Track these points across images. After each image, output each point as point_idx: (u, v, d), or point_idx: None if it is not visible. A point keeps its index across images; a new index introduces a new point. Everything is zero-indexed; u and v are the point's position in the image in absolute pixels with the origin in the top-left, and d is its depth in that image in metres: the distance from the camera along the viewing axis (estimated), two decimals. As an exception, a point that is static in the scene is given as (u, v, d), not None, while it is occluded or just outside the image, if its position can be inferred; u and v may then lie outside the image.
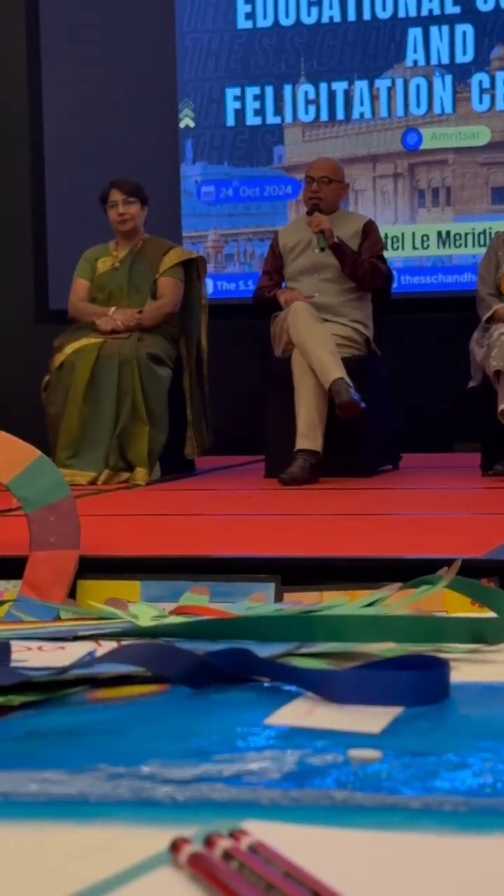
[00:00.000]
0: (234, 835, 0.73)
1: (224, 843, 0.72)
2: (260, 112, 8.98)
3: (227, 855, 0.71)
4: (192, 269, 7.37)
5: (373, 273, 6.88)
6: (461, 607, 1.42)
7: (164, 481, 6.87)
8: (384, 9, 8.76)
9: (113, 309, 7.15)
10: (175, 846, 0.72)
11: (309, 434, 6.54)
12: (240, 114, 9.01)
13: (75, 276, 7.39)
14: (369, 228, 7.06)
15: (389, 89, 8.80)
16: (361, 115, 8.86)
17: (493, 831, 0.78)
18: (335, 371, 6.51)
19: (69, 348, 7.01)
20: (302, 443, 6.53)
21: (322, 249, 6.83)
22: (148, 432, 6.82)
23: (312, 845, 0.74)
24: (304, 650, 1.21)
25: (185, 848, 0.72)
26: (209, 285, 7.95)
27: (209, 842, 0.72)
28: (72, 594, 4.08)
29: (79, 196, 8.78)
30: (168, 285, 7.23)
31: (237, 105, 9.01)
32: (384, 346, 7.12)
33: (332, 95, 8.88)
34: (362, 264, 6.84)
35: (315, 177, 7.00)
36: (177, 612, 1.39)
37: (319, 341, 6.59)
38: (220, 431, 7.49)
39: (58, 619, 1.44)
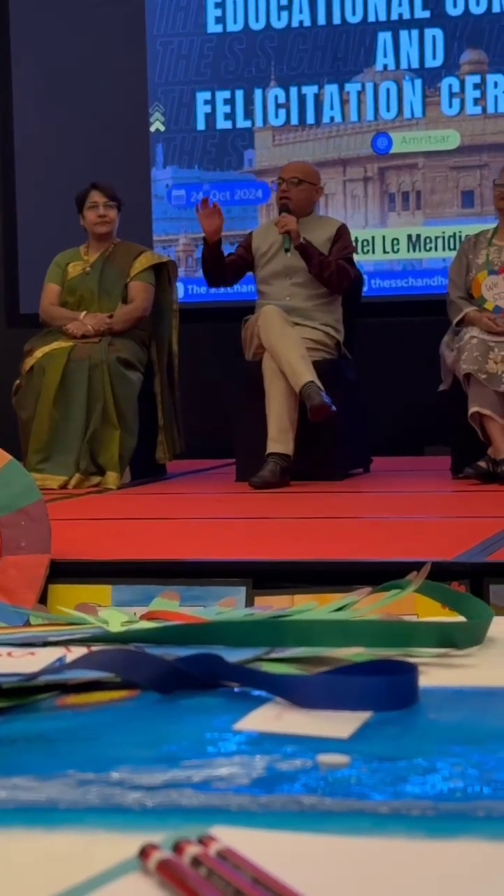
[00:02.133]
0: (203, 841, 0.73)
1: (193, 850, 0.72)
2: (230, 116, 8.98)
3: (196, 861, 0.71)
4: (162, 274, 7.37)
5: (339, 274, 6.88)
6: (432, 611, 1.43)
7: (135, 485, 6.87)
8: (354, 13, 8.78)
9: (84, 313, 7.14)
10: (144, 852, 0.72)
11: (280, 438, 6.54)
12: (210, 118, 9.01)
13: (46, 280, 7.38)
14: (341, 232, 7.07)
15: (359, 93, 8.81)
16: (332, 119, 8.88)
17: (461, 836, 0.78)
18: (306, 374, 6.51)
19: (39, 352, 7.00)
20: (273, 446, 6.53)
21: (287, 250, 6.83)
22: (119, 436, 6.82)
23: (281, 851, 0.75)
24: (273, 655, 1.21)
25: (153, 854, 0.72)
26: (180, 289, 7.94)
27: (178, 848, 0.72)
28: (43, 598, 4.08)
29: (49, 200, 8.78)
30: (139, 289, 7.23)
31: (208, 109, 9.01)
32: (355, 349, 7.13)
33: (302, 99, 8.89)
34: (329, 265, 6.84)
35: (285, 177, 7.01)
36: (147, 617, 1.38)
37: (290, 345, 6.59)
38: (191, 435, 7.49)
39: (28, 624, 1.44)
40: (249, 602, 3.91)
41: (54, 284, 7.33)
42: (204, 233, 6.99)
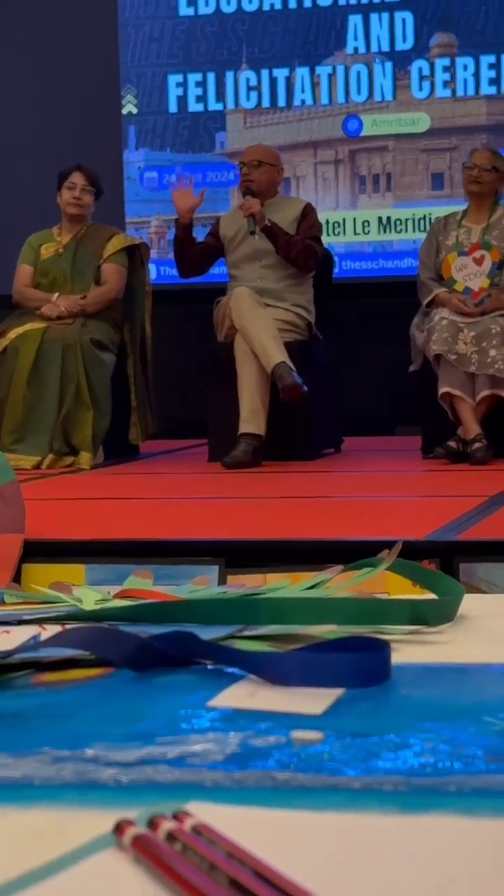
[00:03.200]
0: (178, 816, 0.73)
1: (167, 825, 0.71)
2: (202, 98, 8.97)
3: (171, 836, 0.71)
4: (135, 255, 7.36)
5: (306, 253, 6.87)
6: (403, 589, 1.43)
7: (109, 465, 6.87)
8: (325, -4, 8.77)
9: (56, 295, 7.13)
10: (119, 828, 0.72)
11: (252, 418, 6.54)
12: (182, 100, 9.00)
13: (19, 261, 7.36)
14: (307, 212, 7.07)
15: (330, 76, 8.81)
16: (303, 101, 8.87)
17: (433, 811, 0.78)
18: (277, 355, 6.51)
19: (13, 333, 6.99)
20: (245, 427, 6.54)
21: (252, 233, 6.82)
22: (92, 417, 6.81)
23: (255, 826, 0.74)
24: (246, 633, 1.21)
25: (128, 830, 0.72)
26: (152, 271, 7.94)
27: (153, 823, 0.72)
28: (17, 578, 4.08)
29: (21, 181, 8.76)
30: (111, 271, 7.22)
31: (179, 91, 9.00)
32: (326, 330, 7.13)
33: (273, 82, 8.88)
34: (295, 245, 6.83)
35: (245, 161, 7.01)
36: (121, 595, 1.38)
37: (261, 326, 6.59)
38: (163, 416, 7.49)
39: (2, 602, 1.44)
40: (222, 580, 3.91)
41: (27, 266, 7.32)
42: (177, 212, 6.98)
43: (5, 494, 4.22)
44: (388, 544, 1.40)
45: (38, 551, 4.19)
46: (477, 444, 6.38)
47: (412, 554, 3.56)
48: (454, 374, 6.46)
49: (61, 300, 7.10)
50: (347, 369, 7.54)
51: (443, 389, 6.48)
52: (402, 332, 6.92)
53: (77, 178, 7.23)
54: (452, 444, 6.48)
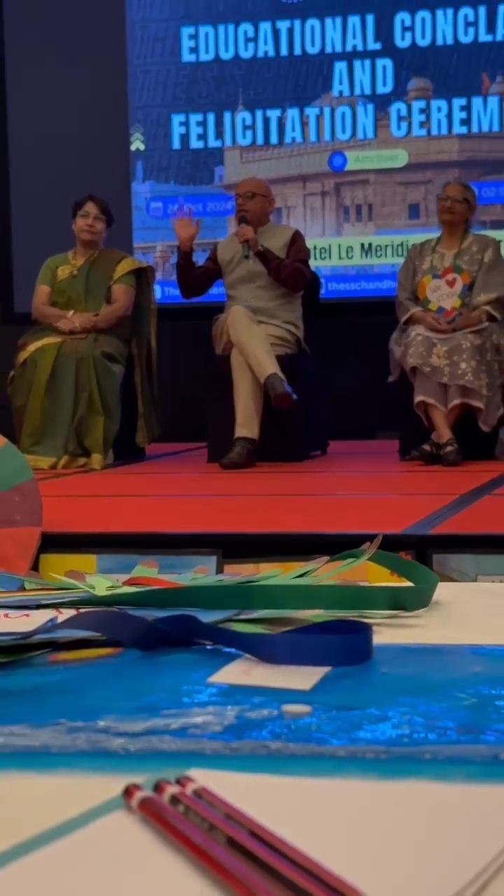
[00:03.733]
0: (181, 781, 0.73)
1: (171, 789, 0.71)
2: (203, 136, 8.97)
3: (175, 799, 0.71)
4: (142, 277, 7.35)
5: (296, 275, 6.88)
6: (382, 578, 1.43)
7: (118, 466, 6.86)
8: (313, 45, 8.77)
9: (71, 312, 7.13)
10: (128, 792, 0.72)
11: (246, 423, 6.54)
12: (185, 138, 8.99)
13: (38, 282, 7.36)
14: (296, 238, 7.08)
15: (318, 116, 8.81)
16: (293, 139, 8.87)
17: (410, 777, 0.78)
18: (270, 367, 6.51)
19: (32, 346, 6.98)
20: (240, 431, 6.53)
21: (247, 257, 6.83)
22: (103, 422, 6.81)
23: (250, 790, 0.74)
24: (242, 616, 1.20)
25: (136, 793, 0.72)
26: (157, 291, 7.93)
27: (158, 788, 0.72)
28: (35, 566, 4.07)
29: (42, 211, 8.75)
30: (121, 291, 7.21)
31: (182, 130, 8.99)
32: (313, 344, 7.13)
33: (266, 122, 8.88)
34: (286, 267, 6.84)
35: (241, 193, 7.01)
36: (129, 582, 1.38)
37: (255, 340, 6.59)
38: (167, 421, 7.49)
39: (22, 589, 1.43)
40: (219, 570, 3.90)
41: (45, 286, 7.31)
42: (178, 240, 6.99)
43: (24, 491, 4.22)
44: (370, 537, 1.40)
45: (53, 543, 4.18)
46: (449, 448, 6.38)
47: (390, 546, 3.56)
48: (428, 385, 6.46)
49: (75, 317, 7.09)
50: (333, 380, 7.53)
51: (418, 398, 6.49)
52: (382, 347, 6.92)
53: (90, 207, 7.22)
54: (427, 447, 6.48)
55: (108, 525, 4.45)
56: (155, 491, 5.79)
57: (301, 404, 6.58)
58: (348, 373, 8.07)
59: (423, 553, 3.94)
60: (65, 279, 7.28)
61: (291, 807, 0.73)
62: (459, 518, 4.42)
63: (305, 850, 0.64)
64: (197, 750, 0.84)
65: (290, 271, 6.85)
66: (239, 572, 1.46)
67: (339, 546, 1.40)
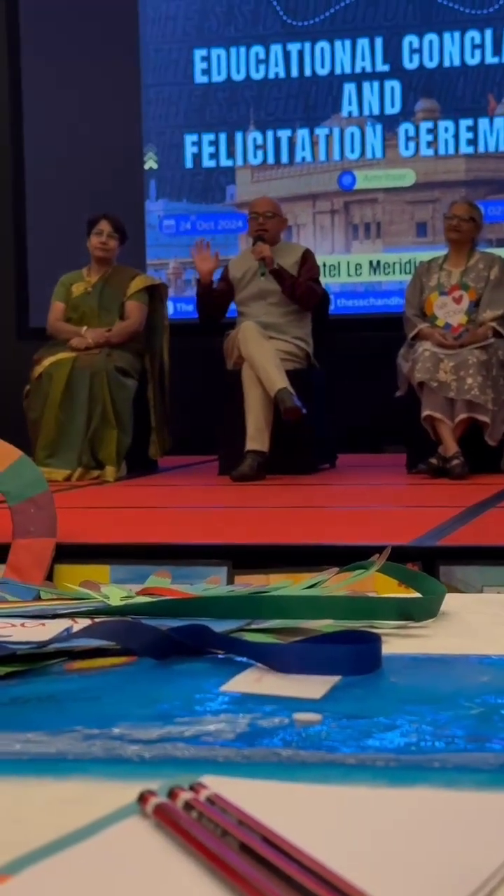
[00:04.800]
0: (194, 788, 0.73)
1: (185, 796, 0.71)
2: (215, 156, 8.98)
3: (188, 805, 0.71)
4: (155, 294, 7.36)
5: (309, 294, 6.90)
6: (389, 589, 1.43)
7: (131, 478, 6.87)
8: (323, 66, 8.78)
9: (85, 328, 7.14)
10: (142, 798, 0.72)
11: (257, 436, 6.55)
12: (197, 157, 9.01)
13: (53, 298, 7.37)
14: (307, 256, 7.09)
15: (327, 136, 8.82)
16: (303, 158, 8.88)
17: (418, 784, 0.78)
18: (280, 381, 6.52)
19: (47, 361, 6.99)
20: (251, 444, 6.54)
21: (263, 274, 6.85)
22: (116, 435, 6.82)
23: (262, 797, 0.74)
24: (254, 626, 1.20)
25: (150, 800, 0.72)
26: (170, 307, 7.94)
27: (172, 794, 0.72)
28: (49, 577, 4.07)
29: (56, 228, 8.77)
30: (134, 308, 7.22)
31: (195, 150, 9.01)
32: (322, 360, 7.13)
33: (277, 142, 8.89)
34: (299, 286, 6.86)
35: (260, 212, 7.01)
36: (143, 592, 1.38)
37: (266, 356, 6.60)
38: (179, 434, 7.49)
39: (38, 598, 1.43)
40: (230, 580, 3.90)
41: (60, 302, 7.33)
42: (198, 273, 6.99)
43: (40, 503, 4.22)
44: (378, 549, 1.40)
45: (68, 553, 4.19)
46: (455, 461, 6.38)
47: (398, 557, 3.56)
48: (435, 399, 6.46)
49: (89, 333, 7.10)
50: (341, 394, 7.53)
51: (425, 412, 6.49)
52: (390, 362, 6.92)
53: (104, 226, 7.24)
54: (434, 460, 6.48)
55: (122, 536, 4.46)
56: (167, 503, 5.80)
57: (310, 418, 6.58)
58: (357, 387, 8.06)
59: (430, 564, 3.94)
60: (79, 296, 7.29)
61: (302, 813, 0.73)
62: (466, 530, 4.42)
63: (315, 855, 0.64)
64: (210, 757, 0.84)
65: (304, 290, 6.87)
66: (249, 583, 1.46)
67: (348, 557, 1.41)
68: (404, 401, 6.73)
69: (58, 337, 7.20)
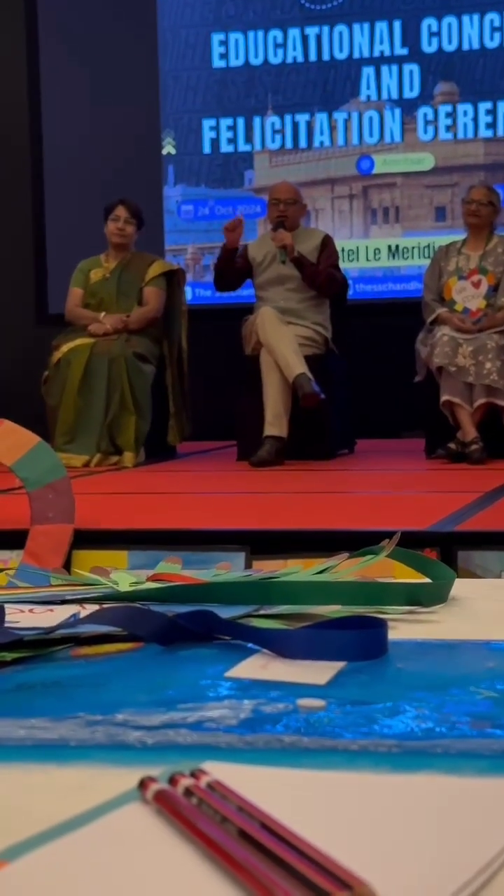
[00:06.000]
0: (195, 774, 0.73)
1: (186, 782, 0.72)
2: (233, 140, 8.97)
3: (188, 792, 0.71)
4: (173, 279, 7.36)
5: (329, 281, 6.89)
6: (408, 574, 1.43)
7: (149, 464, 6.87)
8: (341, 50, 8.76)
9: (103, 314, 7.14)
10: (143, 784, 0.72)
11: (275, 422, 6.54)
12: (215, 142, 9.00)
13: (71, 284, 7.38)
14: (326, 242, 7.08)
15: (346, 121, 8.79)
16: (321, 143, 8.86)
17: (422, 770, 0.78)
18: (298, 367, 6.52)
19: (65, 347, 7.00)
20: (269, 430, 6.54)
21: (283, 262, 6.85)
22: (135, 421, 6.82)
23: (264, 783, 0.74)
24: (261, 612, 1.21)
25: (151, 786, 0.72)
26: (188, 293, 7.94)
27: (173, 780, 0.72)
28: (67, 562, 4.08)
29: (75, 214, 8.77)
30: (152, 293, 7.22)
31: (213, 134, 8.99)
32: (341, 345, 7.12)
33: (295, 126, 8.87)
34: (319, 274, 6.85)
35: (281, 198, 7.00)
36: (152, 578, 1.38)
37: (284, 341, 6.59)
38: (197, 420, 7.49)
39: (49, 584, 1.44)
40: (248, 566, 3.91)
41: (78, 288, 7.33)
42: (226, 241, 6.98)
43: (58, 489, 4.23)
44: (395, 534, 1.39)
45: (86, 539, 4.20)
46: (474, 446, 6.37)
47: (416, 543, 3.56)
48: (454, 384, 6.45)
49: (107, 319, 7.10)
50: (360, 379, 7.52)
51: (444, 397, 6.48)
52: (409, 347, 6.91)
53: (120, 211, 7.24)
54: (452, 445, 6.47)
55: (140, 522, 4.46)
56: (185, 488, 5.80)
57: (329, 403, 6.58)
58: (375, 373, 8.05)
59: (448, 550, 3.93)
60: (97, 281, 7.29)
61: (304, 799, 0.73)
62: (484, 515, 4.42)
63: (316, 843, 0.64)
64: (212, 743, 0.84)
65: (325, 278, 6.87)
66: (267, 568, 1.46)
67: (365, 543, 1.40)
68: (423, 386, 6.72)
69: (76, 323, 7.21)
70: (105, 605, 1.22)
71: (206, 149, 9.02)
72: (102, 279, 7.29)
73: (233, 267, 7.04)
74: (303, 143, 8.89)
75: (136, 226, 7.29)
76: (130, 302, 7.22)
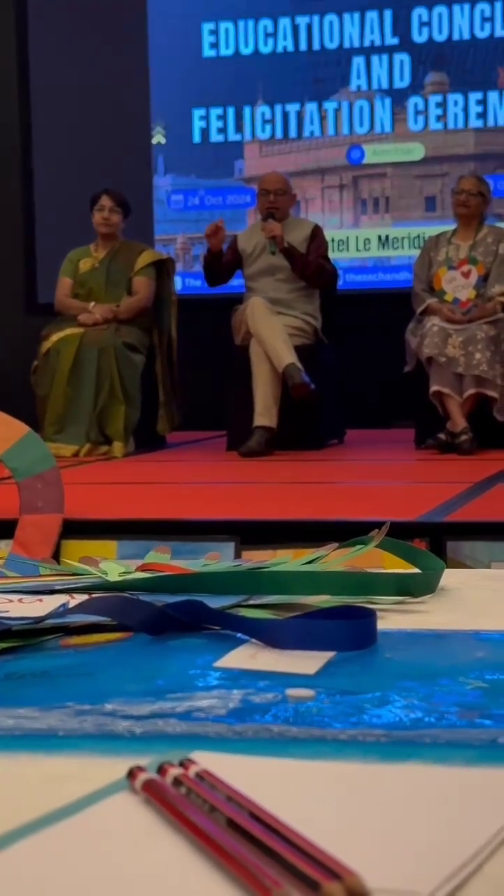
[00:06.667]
0: (184, 764, 0.73)
1: (174, 771, 0.72)
2: (223, 130, 8.95)
3: (177, 781, 0.71)
4: (162, 269, 7.35)
5: (319, 272, 6.89)
6: (397, 564, 1.43)
7: (139, 454, 6.87)
8: (331, 40, 8.74)
9: (93, 304, 7.13)
10: (132, 774, 0.72)
11: (265, 412, 6.55)
12: (205, 132, 8.98)
13: (60, 274, 7.37)
14: (316, 232, 7.08)
15: (336, 110, 8.78)
16: (311, 133, 8.85)
17: (410, 760, 0.78)
18: (288, 357, 6.52)
19: (55, 336, 6.99)
20: (259, 420, 6.54)
21: (273, 253, 6.84)
22: (124, 411, 6.82)
23: (252, 773, 0.75)
24: (250, 602, 1.21)
25: (140, 775, 0.72)
26: (178, 282, 7.93)
27: (162, 770, 0.72)
28: (56, 552, 4.08)
29: (64, 203, 8.75)
30: (142, 283, 7.22)
31: (203, 124, 8.98)
32: (331, 335, 7.12)
33: (285, 116, 8.86)
34: (309, 265, 6.85)
35: (271, 189, 6.99)
36: (142, 568, 1.38)
37: (274, 331, 6.59)
38: (187, 410, 7.49)
39: (38, 574, 1.44)
40: (237, 556, 3.91)
41: (67, 278, 7.32)
42: (209, 245, 6.97)
43: (47, 479, 4.23)
44: (384, 524, 1.39)
45: (75, 529, 4.20)
46: (464, 437, 6.37)
47: (405, 533, 3.56)
48: (444, 375, 6.45)
49: (97, 308, 7.09)
50: (350, 369, 7.52)
51: (434, 388, 6.48)
52: (398, 337, 6.91)
53: (105, 201, 7.22)
54: (442, 436, 6.48)
55: (129, 512, 4.47)
56: (175, 478, 5.80)
57: (319, 394, 6.58)
58: (365, 363, 8.05)
59: (437, 540, 3.94)
60: (87, 271, 7.29)
61: (293, 789, 0.73)
62: (473, 506, 4.42)
63: (304, 832, 0.64)
64: (201, 733, 0.84)
65: (315, 269, 6.87)
66: (255, 558, 1.46)
67: (355, 533, 1.40)
68: (413, 376, 6.72)
69: (66, 313, 7.20)
70: (94, 595, 1.22)
71: (197, 138, 9.00)
72: (92, 269, 7.28)
73: (220, 265, 7.04)
74: (293, 132, 8.88)
75: (122, 214, 7.27)
76: (120, 291, 7.21)
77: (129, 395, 6.87)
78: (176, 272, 7.63)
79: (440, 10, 8.61)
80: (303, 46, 8.81)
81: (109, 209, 7.21)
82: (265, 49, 8.86)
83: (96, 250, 7.33)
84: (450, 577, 1.35)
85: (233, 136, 8.95)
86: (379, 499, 4.81)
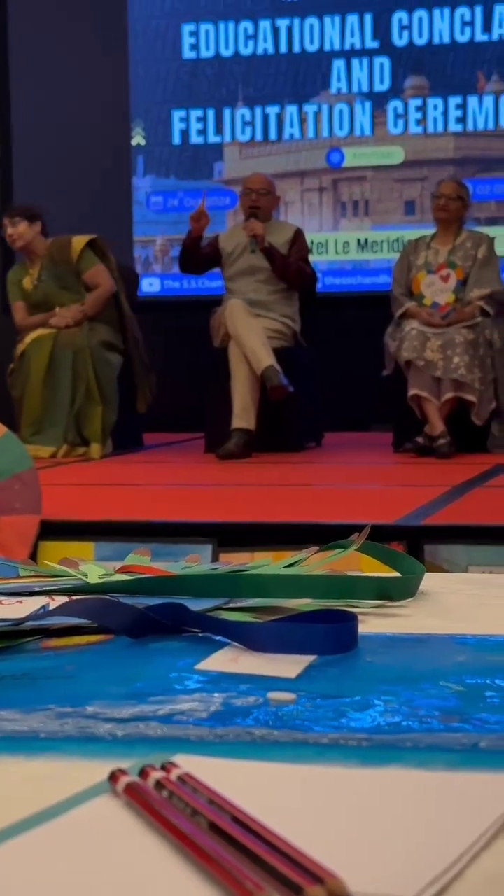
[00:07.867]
0: (166, 767, 0.73)
1: (156, 775, 0.72)
2: (202, 132, 8.96)
3: (159, 785, 0.71)
4: (97, 248, 7.19)
5: (299, 274, 6.90)
6: (375, 568, 1.43)
7: (116, 455, 6.86)
8: (312, 42, 8.76)
9: (58, 309, 7.03)
10: (113, 777, 0.72)
11: (243, 414, 6.55)
12: (185, 133, 8.99)
13: (10, 300, 7.22)
14: (298, 236, 7.09)
15: (316, 113, 8.80)
16: (291, 135, 8.86)
17: (392, 764, 0.78)
18: (266, 359, 6.52)
19: (28, 338, 6.97)
20: (237, 422, 6.54)
21: (253, 251, 6.85)
22: (101, 412, 6.80)
23: (234, 776, 0.74)
24: (231, 605, 1.21)
25: (122, 778, 0.72)
26: (157, 284, 7.91)
27: (143, 773, 0.72)
28: (34, 554, 4.07)
29: (43, 204, 8.72)
30: (94, 274, 7.09)
31: (183, 126, 8.98)
32: (310, 338, 7.13)
33: (265, 118, 8.87)
34: (290, 266, 6.86)
35: (254, 188, 7.00)
36: (122, 570, 1.38)
37: (253, 333, 6.59)
38: (164, 411, 7.48)
39: (17, 576, 1.43)
40: (215, 558, 3.91)
41: (19, 301, 7.18)
42: (191, 229, 6.96)
43: (25, 480, 4.22)
44: (363, 528, 1.40)
45: (53, 531, 4.19)
46: (442, 440, 6.39)
47: (383, 537, 3.56)
48: (422, 378, 6.46)
49: (64, 313, 7.00)
50: (328, 372, 7.53)
51: (412, 391, 6.49)
52: (377, 341, 6.92)
53: (5, 222, 7.08)
54: (420, 439, 6.49)
55: (107, 513, 4.46)
56: (153, 480, 5.79)
57: (297, 396, 6.58)
58: (344, 366, 8.06)
59: (415, 543, 3.94)
60: (32, 289, 7.15)
61: (275, 793, 0.73)
62: (451, 509, 4.43)
63: (287, 836, 0.64)
64: (183, 736, 0.84)
65: (295, 271, 6.88)
66: (234, 561, 1.46)
67: (333, 536, 1.40)
68: (391, 380, 6.73)
69: (33, 329, 7.06)
70: (75, 597, 1.22)
71: (176, 140, 9.01)
72: (36, 285, 7.14)
73: (199, 251, 7.02)
74: (273, 135, 8.90)
75: (27, 221, 7.06)
76: (73, 290, 7.07)
77: (107, 397, 6.85)
78: (151, 272, 7.58)
79: (420, 13, 8.63)
80: (283, 49, 8.82)
81: (9, 224, 7.04)
82: (245, 51, 8.87)
83: (31, 266, 7.19)
84: (429, 581, 1.35)
85: (213, 138, 8.95)
86: (357, 502, 4.82)
